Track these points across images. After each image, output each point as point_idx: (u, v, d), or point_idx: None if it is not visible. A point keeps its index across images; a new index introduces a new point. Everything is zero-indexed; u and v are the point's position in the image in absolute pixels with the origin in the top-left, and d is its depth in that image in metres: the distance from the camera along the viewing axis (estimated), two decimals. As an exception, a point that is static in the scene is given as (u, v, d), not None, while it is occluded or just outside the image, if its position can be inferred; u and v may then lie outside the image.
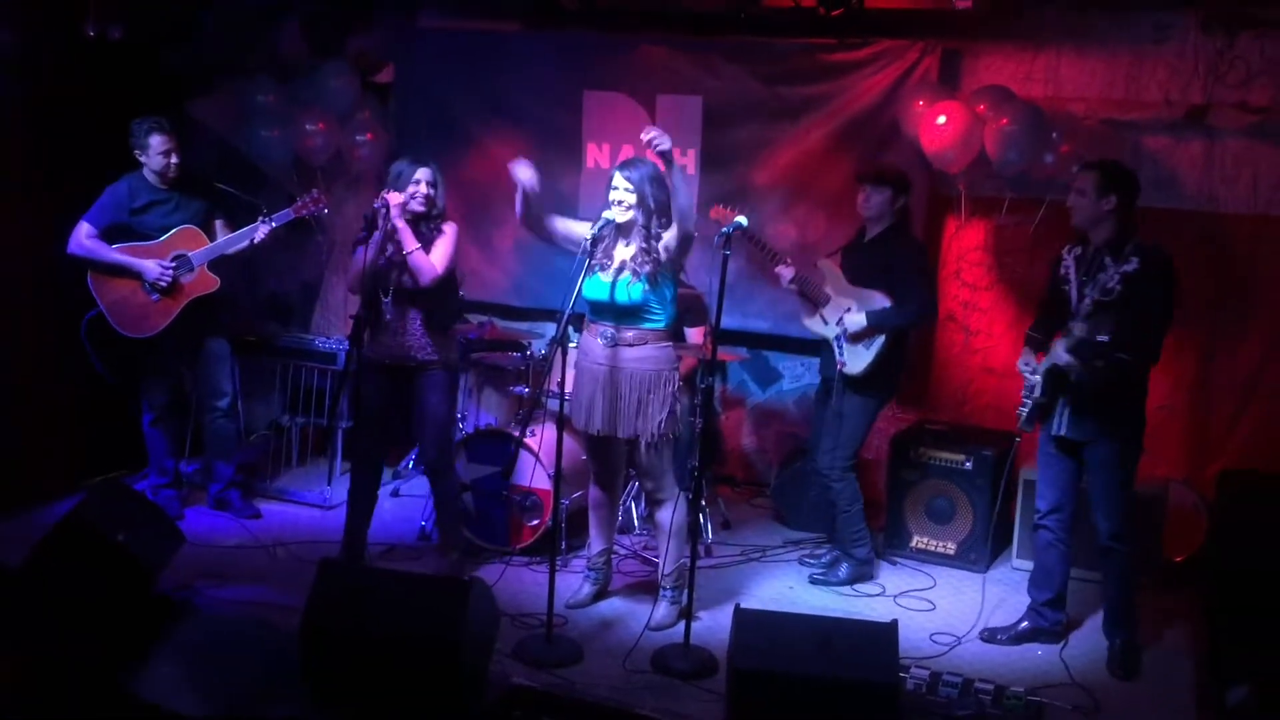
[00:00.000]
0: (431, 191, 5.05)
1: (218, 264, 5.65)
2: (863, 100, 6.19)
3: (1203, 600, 5.17)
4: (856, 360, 5.27)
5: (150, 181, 5.62)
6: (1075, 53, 5.93)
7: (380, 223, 4.91)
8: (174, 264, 5.53)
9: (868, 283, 5.28)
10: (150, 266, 5.51)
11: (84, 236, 5.54)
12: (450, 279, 5.15)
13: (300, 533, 5.81)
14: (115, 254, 5.54)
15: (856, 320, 5.23)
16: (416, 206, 5.01)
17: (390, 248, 4.98)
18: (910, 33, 6.08)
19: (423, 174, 5.04)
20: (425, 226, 5.05)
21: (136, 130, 5.57)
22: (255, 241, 5.58)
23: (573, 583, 5.25)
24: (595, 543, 5.17)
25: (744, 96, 6.46)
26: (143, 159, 5.59)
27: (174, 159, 5.58)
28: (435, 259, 5.00)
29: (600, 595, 5.16)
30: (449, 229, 5.12)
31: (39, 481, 5.89)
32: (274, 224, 5.57)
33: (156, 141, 5.54)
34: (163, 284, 5.51)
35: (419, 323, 5.07)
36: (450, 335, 5.22)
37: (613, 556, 5.27)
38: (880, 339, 5.22)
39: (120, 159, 5.64)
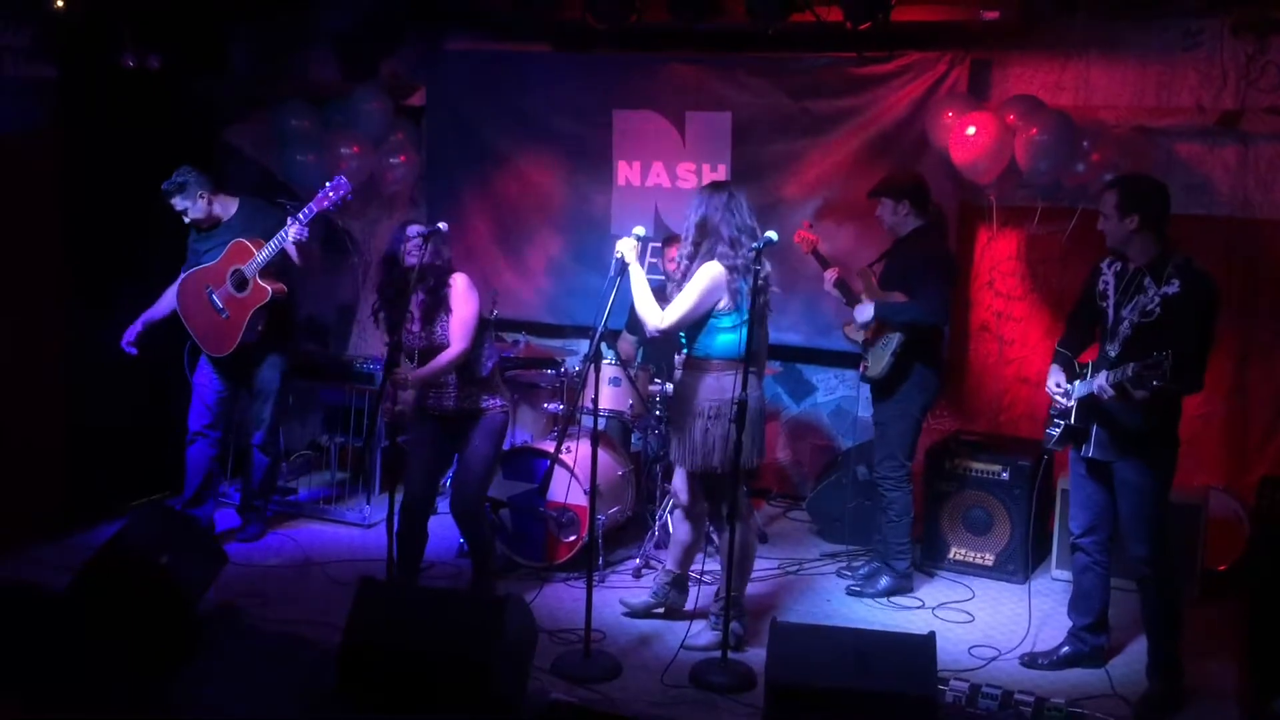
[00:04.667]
0: (422, 250, 4.84)
1: (282, 274, 5.71)
2: (892, 113, 6.21)
3: (1246, 609, 5.10)
4: (876, 362, 5.31)
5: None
6: (1105, 61, 5.92)
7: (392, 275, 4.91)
8: (232, 276, 5.65)
9: (893, 287, 5.32)
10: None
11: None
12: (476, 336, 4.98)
13: (340, 551, 5.87)
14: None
15: (865, 312, 5.27)
16: (411, 260, 4.87)
17: (413, 322, 4.92)
18: (938, 44, 6.09)
19: (411, 231, 4.91)
20: (432, 281, 4.89)
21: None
22: (298, 239, 5.49)
23: (610, 598, 5.27)
24: (666, 560, 5.17)
25: (773, 111, 6.50)
26: None
27: (187, 217, 5.73)
28: (454, 337, 4.88)
29: (652, 610, 5.12)
30: (457, 288, 4.93)
31: (85, 505, 5.98)
32: (303, 218, 5.50)
33: (173, 204, 5.72)
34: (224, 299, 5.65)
35: (457, 381, 4.98)
36: (494, 380, 5.10)
37: (687, 585, 5.17)
38: (895, 339, 5.24)
39: (158, 185, 5.75)
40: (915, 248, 5.34)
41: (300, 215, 5.51)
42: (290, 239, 5.51)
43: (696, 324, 4.65)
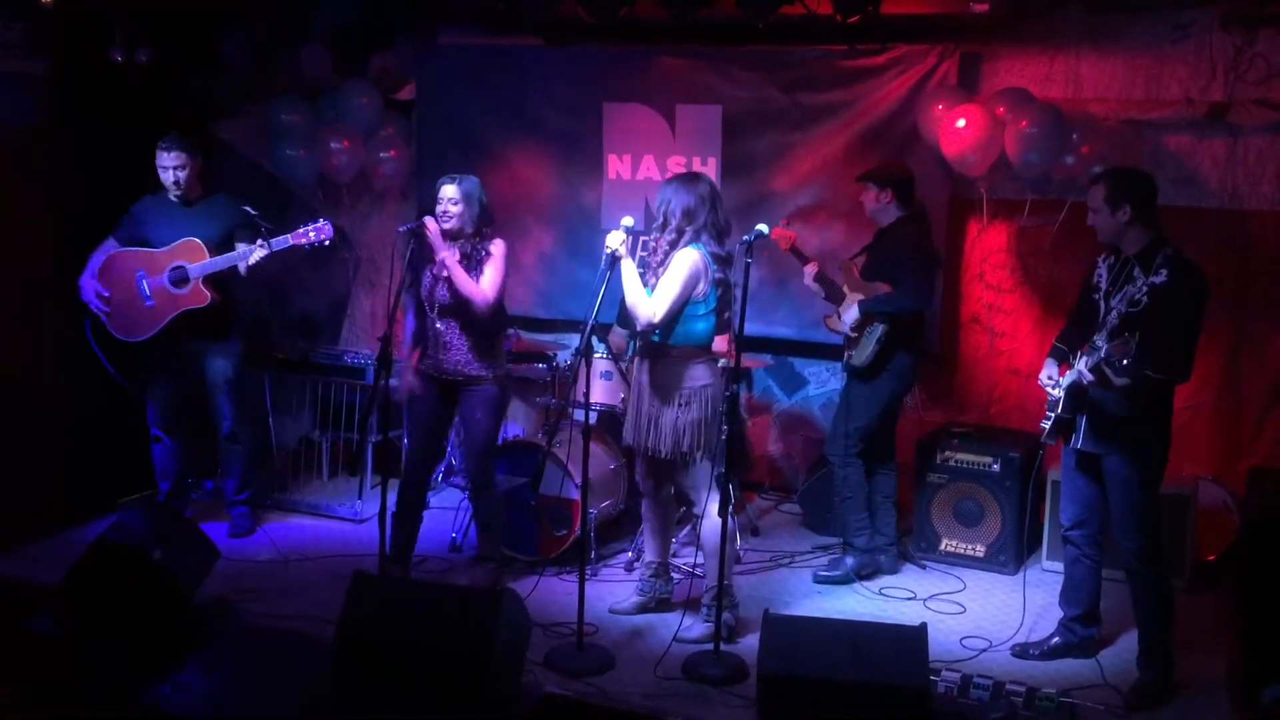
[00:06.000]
0: (459, 208, 5.03)
1: (225, 284, 5.65)
2: (882, 106, 6.22)
3: (1235, 598, 5.13)
4: (861, 351, 5.33)
5: (170, 199, 5.70)
6: (1094, 53, 5.93)
7: (421, 242, 4.99)
8: (173, 270, 5.57)
9: (875, 277, 5.35)
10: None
11: (101, 251, 5.69)
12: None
13: (333, 546, 5.87)
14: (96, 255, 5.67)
15: (851, 313, 5.31)
16: (445, 224, 5.02)
17: (436, 267, 5.03)
18: (928, 37, 6.10)
19: (445, 191, 5.04)
20: (470, 246, 5.05)
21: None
22: (250, 263, 5.46)
23: (603, 591, 5.30)
24: (645, 553, 5.20)
25: (763, 105, 6.50)
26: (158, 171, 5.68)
27: (178, 176, 5.62)
28: (485, 286, 5.03)
29: (645, 608, 5.13)
30: (496, 250, 5.10)
31: (77, 501, 5.97)
32: (271, 249, 5.44)
33: (160, 158, 5.63)
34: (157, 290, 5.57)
35: (465, 339, 5.10)
36: (497, 351, 5.23)
37: (669, 571, 5.22)
38: (880, 328, 5.26)
39: (149, 181, 5.74)
40: (897, 238, 5.36)
41: (271, 242, 5.43)
42: (251, 261, 5.45)
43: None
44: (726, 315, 4.85)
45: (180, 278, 5.57)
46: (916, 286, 5.25)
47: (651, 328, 4.68)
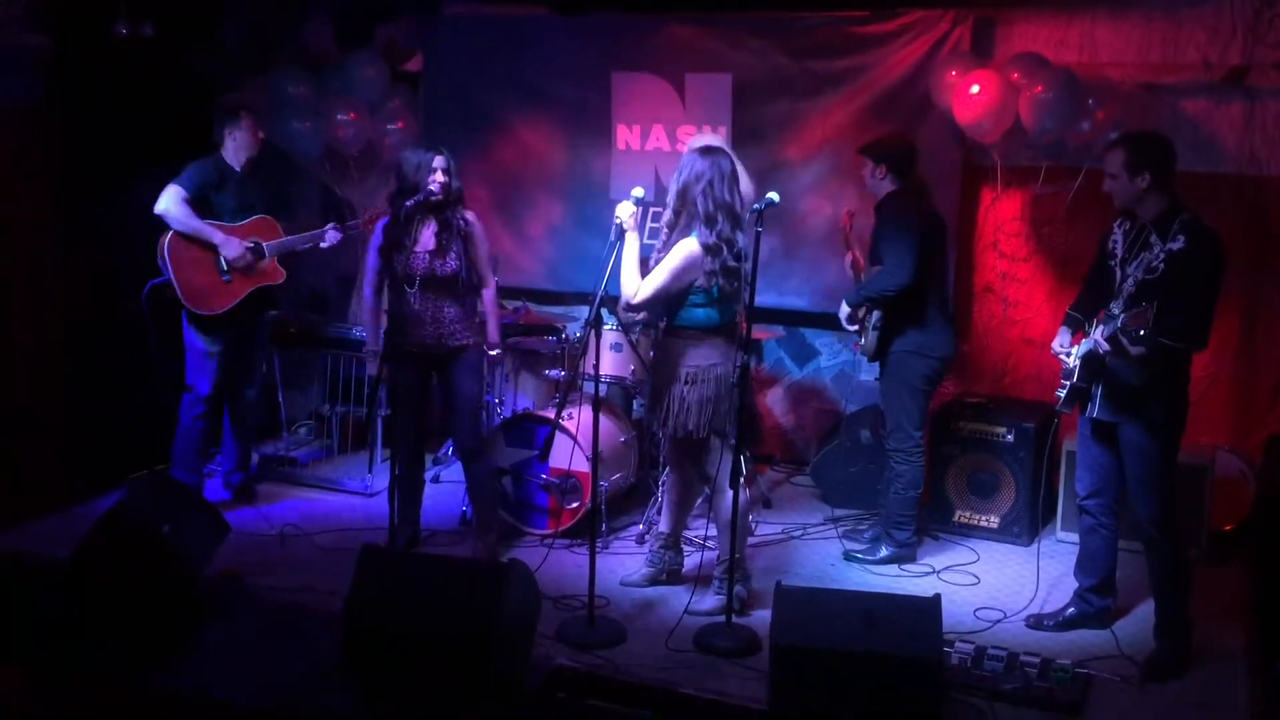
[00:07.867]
0: (447, 179, 5.04)
1: (284, 259, 5.84)
2: (894, 72, 6.14)
3: (1251, 568, 5.10)
4: (867, 341, 5.28)
5: (229, 164, 5.73)
6: (1110, 17, 5.84)
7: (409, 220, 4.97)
8: (251, 247, 5.66)
9: (874, 260, 5.28)
10: (234, 245, 5.63)
11: (178, 199, 5.52)
12: None
13: (343, 520, 5.86)
14: (200, 223, 5.57)
15: (842, 311, 5.30)
16: (436, 196, 5.00)
17: (411, 243, 5.01)
18: (941, 2, 6.01)
19: (439, 162, 5.03)
20: (449, 214, 5.08)
21: (228, 111, 5.74)
22: (324, 245, 5.83)
23: (614, 564, 5.28)
24: (659, 523, 5.18)
25: (774, 72, 6.42)
26: (232, 136, 5.68)
27: (261, 135, 5.81)
28: (486, 274, 5.25)
29: (656, 580, 5.11)
30: (475, 224, 5.19)
31: (86, 477, 5.97)
32: (344, 232, 5.80)
33: (249, 122, 5.72)
34: (240, 265, 5.63)
35: (456, 310, 5.14)
36: (478, 317, 5.31)
37: (681, 544, 5.19)
38: (874, 315, 5.20)
39: (155, 156, 5.70)
40: (885, 213, 5.25)
41: (345, 228, 5.85)
42: (326, 243, 5.80)
43: (674, 298, 4.61)
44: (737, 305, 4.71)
45: (258, 255, 5.67)
46: (892, 264, 5.10)
47: (628, 307, 4.68)
